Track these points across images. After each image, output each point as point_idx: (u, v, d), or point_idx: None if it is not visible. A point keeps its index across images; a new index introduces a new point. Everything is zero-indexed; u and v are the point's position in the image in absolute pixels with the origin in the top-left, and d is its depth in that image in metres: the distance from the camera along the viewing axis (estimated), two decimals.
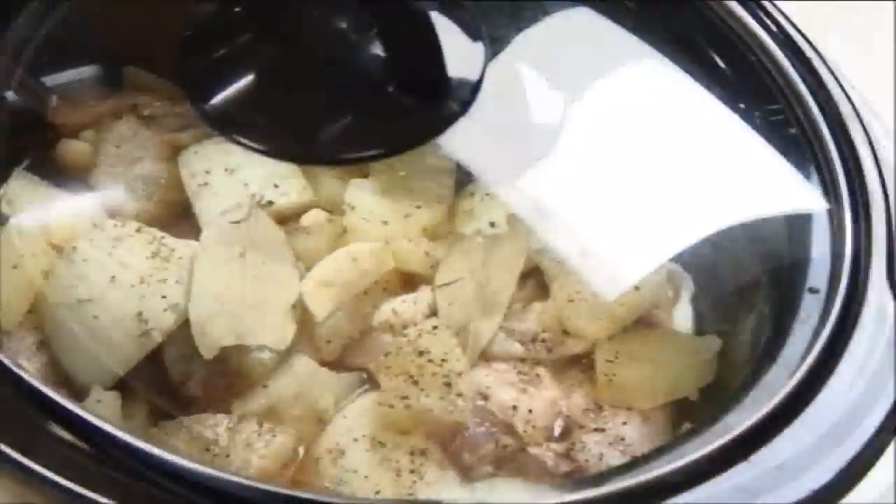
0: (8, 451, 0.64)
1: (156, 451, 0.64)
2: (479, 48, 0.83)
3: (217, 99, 0.81)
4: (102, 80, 0.91)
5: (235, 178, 0.82)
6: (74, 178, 0.86)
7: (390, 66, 0.81)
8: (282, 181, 0.82)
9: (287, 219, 0.81)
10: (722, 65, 0.90)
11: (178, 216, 0.83)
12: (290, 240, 0.80)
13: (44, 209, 0.84)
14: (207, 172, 0.82)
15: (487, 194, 0.82)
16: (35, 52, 0.89)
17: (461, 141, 0.82)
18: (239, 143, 0.80)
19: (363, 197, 0.81)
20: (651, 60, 0.88)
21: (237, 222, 0.79)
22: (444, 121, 0.80)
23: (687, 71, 0.87)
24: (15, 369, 0.67)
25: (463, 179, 0.84)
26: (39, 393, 0.66)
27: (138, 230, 0.79)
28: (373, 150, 0.80)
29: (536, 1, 0.91)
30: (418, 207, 0.81)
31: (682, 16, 0.91)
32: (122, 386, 0.76)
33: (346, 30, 0.82)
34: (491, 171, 0.83)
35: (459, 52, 0.82)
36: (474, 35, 0.83)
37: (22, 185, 0.83)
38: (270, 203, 0.81)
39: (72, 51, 0.91)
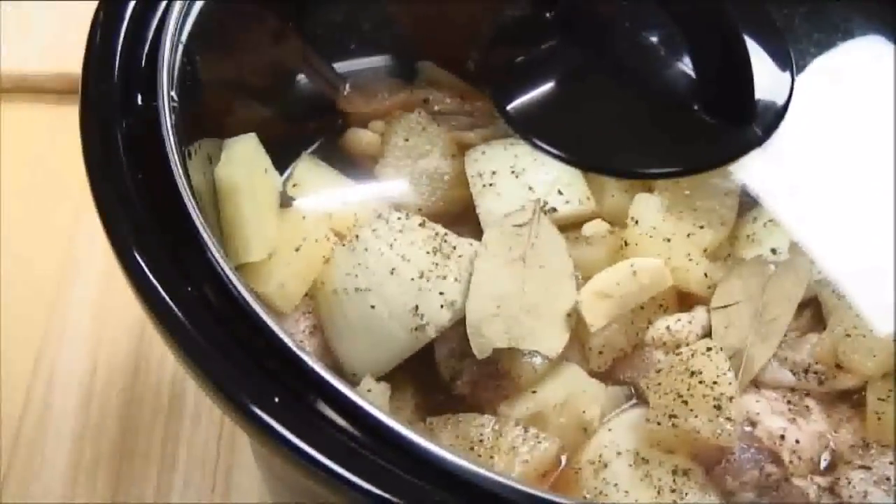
0: (284, 431, 0.64)
1: (432, 446, 0.64)
2: (785, 77, 0.82)
3: (518, 101, 0.83)
4: (395, 73, 0.92)
5: (521, 181, 0.82)
6: (360, 166, 0.87)
7: (697, 84, 0.81)
8: (566, 188, 0.82)
9: (567, 226, 0.81)
10: None
11: (458, 214, 0.83)
12: (569, 248, 0.79)
13: (328, 194, 0.85)
14: (494, 173, 0.83)
15: (770, 220, 0.81)
16: (330, 38, 0.91)
17: (748, 163, 0.81)
18: (537, 147, 0.81)
19: (648, 212, 0.80)
20: None
21: (520, 226, 0.79)
22: (746, 145, 0.80)
23: None
24: (296, 350, 0.67)
25: (744, 202, 0.82)
26: (318, 376, 0.67)
27: (422, 224, 0.79)
28: (672, 167, 0.81)
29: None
30: (701, 227, 0.80)
31: None
32: (389, 378, 0.77)
33: (657, 44, 0.82)
34: (776, 197, 0.82)
35: (766, 78, 0.82)
36: (783, 63, 0.83)
37: (309, 169, 0.85)
38: (554, 210, 0.81)
39: (367, 40, 0.93)
